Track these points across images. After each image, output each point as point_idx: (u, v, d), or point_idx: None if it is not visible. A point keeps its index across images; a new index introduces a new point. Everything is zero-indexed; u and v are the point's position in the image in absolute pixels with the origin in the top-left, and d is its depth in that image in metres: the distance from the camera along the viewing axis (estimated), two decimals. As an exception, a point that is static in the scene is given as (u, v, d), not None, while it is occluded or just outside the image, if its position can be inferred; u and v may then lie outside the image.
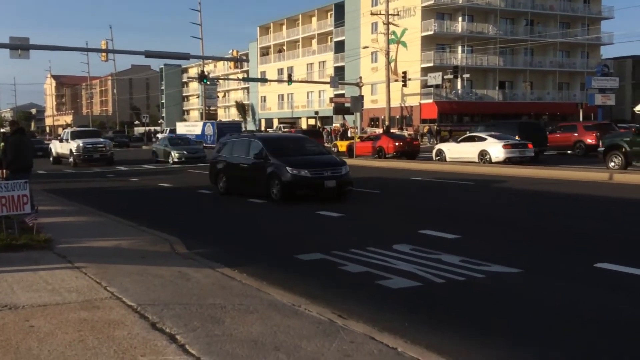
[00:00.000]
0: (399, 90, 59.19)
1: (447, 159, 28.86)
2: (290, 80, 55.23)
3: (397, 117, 62.89)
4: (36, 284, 7.03)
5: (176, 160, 33.82)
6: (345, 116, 65.03)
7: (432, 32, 64.12)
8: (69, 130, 39.52)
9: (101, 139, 36.66)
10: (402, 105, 63.64)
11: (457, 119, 64.99)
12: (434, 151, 30.76)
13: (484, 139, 27.58)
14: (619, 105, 63.68)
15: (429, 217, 12.92)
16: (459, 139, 30.04)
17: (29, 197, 9.42)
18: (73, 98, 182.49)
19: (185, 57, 41.01)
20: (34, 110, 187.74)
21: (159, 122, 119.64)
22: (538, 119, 59.86)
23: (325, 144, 40.96)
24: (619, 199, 15.65)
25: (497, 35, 66.50)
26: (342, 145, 38.95)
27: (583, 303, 6.67)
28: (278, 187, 15.56)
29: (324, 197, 15.38)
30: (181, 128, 62.90)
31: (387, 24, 49.43)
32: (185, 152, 34.38)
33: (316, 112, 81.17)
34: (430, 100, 63.82)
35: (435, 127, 58.14)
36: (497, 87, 68.12)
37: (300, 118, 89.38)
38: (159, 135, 76.30)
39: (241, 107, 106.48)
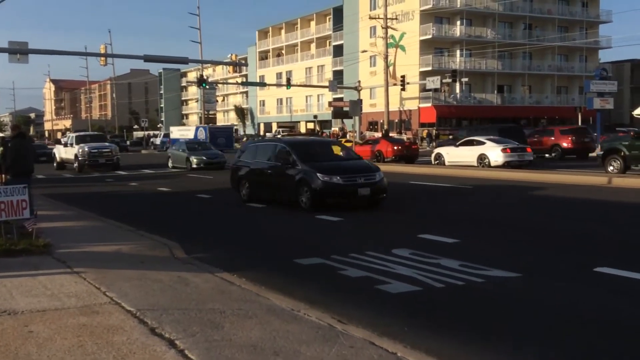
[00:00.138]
0: (398, 94, 59.27)
1: (446, 163, 28.88)
2: (289, 85, 55.27)
3: (396, 121, 62.98)
4: (35, 289, 7.01)
5: (195, 166, 32.05)
6: (344, 120, 65.10)
7: (430, 36, 64.31)
8: (73, 134, 37.49)
9: (107, 144, 35.27)
10: (401, 109, 63.74)
11: (455, 122, 65.06)
12: (433, 155, 30.79)
13: (482, 143, 27.59)
14: (618, 109, 63.71)
15: (428, 221, 12.90)
16: (457, 143, 30.09)
17: (28, 202, 9.40)
18: (72, 102, 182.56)
19: (184, 61, 41.16)
20: (32, 115, 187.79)
21: (158, 126, 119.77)
22: (537, 123, 60.02)
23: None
24: (618, 202, 15.65)
25: (496, 39, 66.65)
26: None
27: (583, 304, 6.70)
28: (307, 194, 14.48)
29: (357, 205, 14.74)
30: (175, 132, 62.71)
31: (386, 27, 49.49)
32: (204, 158, 32.63)
33: (315, 116, 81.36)
34: (429, 104, 63.93)
35: (434, 131, 58.21)
36: (495, 91, 68.25)
37: (299, 122, 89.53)
38: (153, 140, 76.35)
39: (240, 111, 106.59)
